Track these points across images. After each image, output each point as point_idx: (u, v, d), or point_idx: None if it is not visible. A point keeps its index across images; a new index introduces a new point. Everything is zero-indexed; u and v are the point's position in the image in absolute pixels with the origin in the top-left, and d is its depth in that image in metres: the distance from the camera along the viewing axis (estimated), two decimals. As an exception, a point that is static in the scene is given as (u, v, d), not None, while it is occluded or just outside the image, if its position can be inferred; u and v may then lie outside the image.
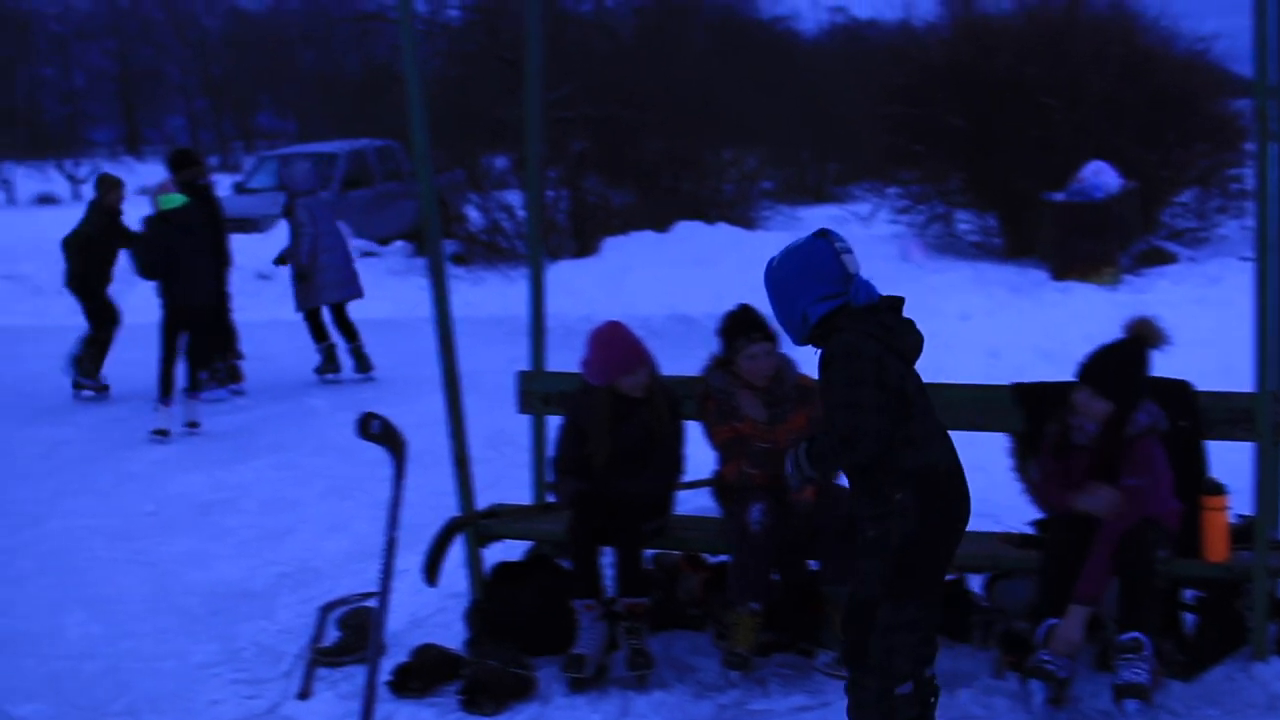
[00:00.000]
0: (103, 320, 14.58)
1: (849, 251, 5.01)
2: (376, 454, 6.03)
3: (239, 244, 21.24)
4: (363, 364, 14.95)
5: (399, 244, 23.27)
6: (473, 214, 23.33)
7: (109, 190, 14.60)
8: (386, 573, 5.66)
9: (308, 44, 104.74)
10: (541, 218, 8.27)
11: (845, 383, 4.84)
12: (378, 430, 5.70)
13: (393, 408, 6.44)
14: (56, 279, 18.96)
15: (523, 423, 7.72)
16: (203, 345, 13.04)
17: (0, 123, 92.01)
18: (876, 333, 4.88)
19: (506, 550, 7.40)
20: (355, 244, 21.70)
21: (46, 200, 67.22)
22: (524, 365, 7.68)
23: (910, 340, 4.99)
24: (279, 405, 13.53)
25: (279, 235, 21.77)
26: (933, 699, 5.16)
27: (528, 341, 7.72)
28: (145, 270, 12.92)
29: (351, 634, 6.94)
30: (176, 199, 12.85)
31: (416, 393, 12.41)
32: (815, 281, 4.96)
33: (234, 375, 14.48)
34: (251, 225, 23.61)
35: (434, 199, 6.99)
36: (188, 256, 12.65)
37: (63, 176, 73.45)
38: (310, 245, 14.60)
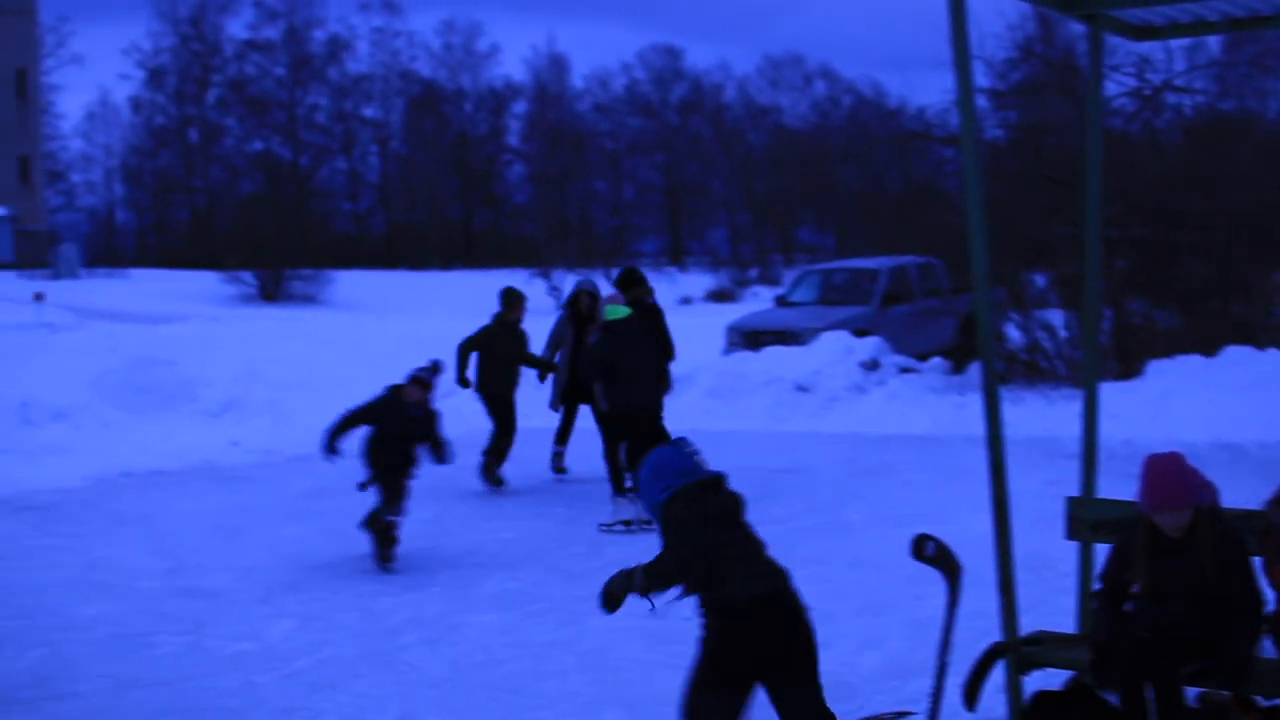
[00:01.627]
0: (505, 424, 15.92)
1: (697, 454, 6.77)
2: (913, 571, 5.98)
3: (778, 356, 21.67)
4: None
5: (936, 360, 23.19)
6: (1013, 333, 23.06)
7: (513, 307, 16.23)
8: (936, 696, 5.60)
9: (849, 160, 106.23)
10: (1096, 341, 8.10)
11: (670, 546, 6.61)
12: (932, 553, 5.67)
13: (927, 525, 6.39)
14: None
15: (1062, 548, 7.54)
16: (639, 448, 13.44)
17: (554, 234, 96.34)
18: (693, 508, 6.54)
19: (1046, 679, 7.22)
20: (895, 360, 21.72)
21: (594, 308, 69.88)
22: (1062, 488, 7.53)
23: (719, 504, 6.64)
24: (814, 517, 13.60)
25: (819, 348, 22.03)
26: None
27: (1070, 465, 7.56)
28: (585, 373, 14.60)
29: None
30: (621, 310, 14.22)
31: (950, 511, 12.37)
32: (659, 478, 6.62)
33: None
34: (792, 338, 23.96)
35: (991, 319, 6.93)
36: (627, 364, 13.85)
37: (610, 286, 76.26)
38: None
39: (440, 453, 12.46)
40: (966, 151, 6.77)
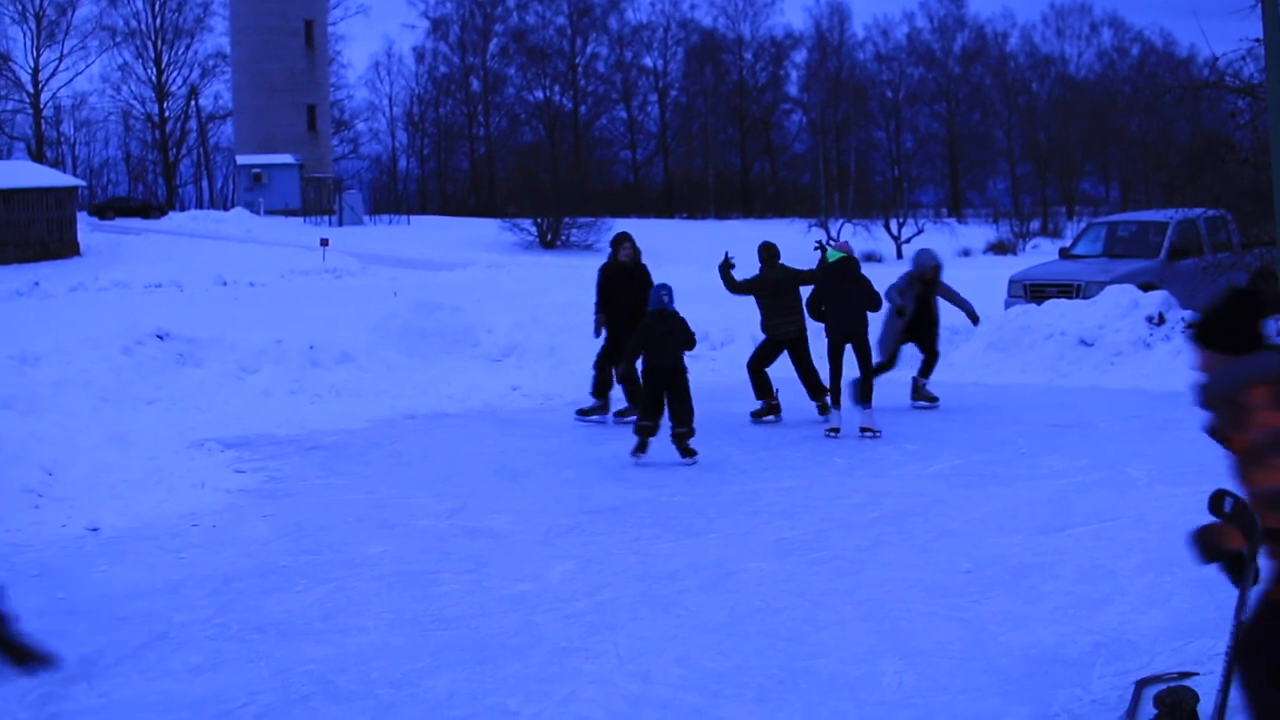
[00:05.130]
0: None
1: (666, 292, 14.69)
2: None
3: (1062, 309, 21.27)
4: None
5: (1225, 316, 22.50)
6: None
7: (621, 245, 17.69)
8: (1231, 655, 5.47)
9: (1136, 111, 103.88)
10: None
11: (633, 335, 14.87)
12: (1230, 509, 5.51)
13: (1212, 484, 6.19)
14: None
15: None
16: (865, 362, 16.16)
17: (832, 183, 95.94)
18: (648, 320, 14.57)
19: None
20: (1182, 315, 21.15)
21: (870, 258, 69.49)
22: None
23: (663, 326, 14.45)
24: (1097, 473, 13.32)
25: (1104, 302, 21.55)
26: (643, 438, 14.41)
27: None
28: (811, 309, 16.60)
29: (1167, 713, 6.72)
30: (835, 255, 16.47)
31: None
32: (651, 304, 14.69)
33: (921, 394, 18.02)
34: (1076, 291, 23.56)
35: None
36: (835, 297, 16.19)
37: (888, 236, 75.66)
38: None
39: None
40: (1274, 102, 6.54)
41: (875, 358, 16.93)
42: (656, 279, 16.11)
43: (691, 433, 14.43)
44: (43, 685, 7.75)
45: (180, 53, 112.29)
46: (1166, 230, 25.85)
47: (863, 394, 15.88)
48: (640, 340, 14.71)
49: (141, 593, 9.82)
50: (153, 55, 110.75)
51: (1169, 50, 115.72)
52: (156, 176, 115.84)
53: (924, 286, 18.27)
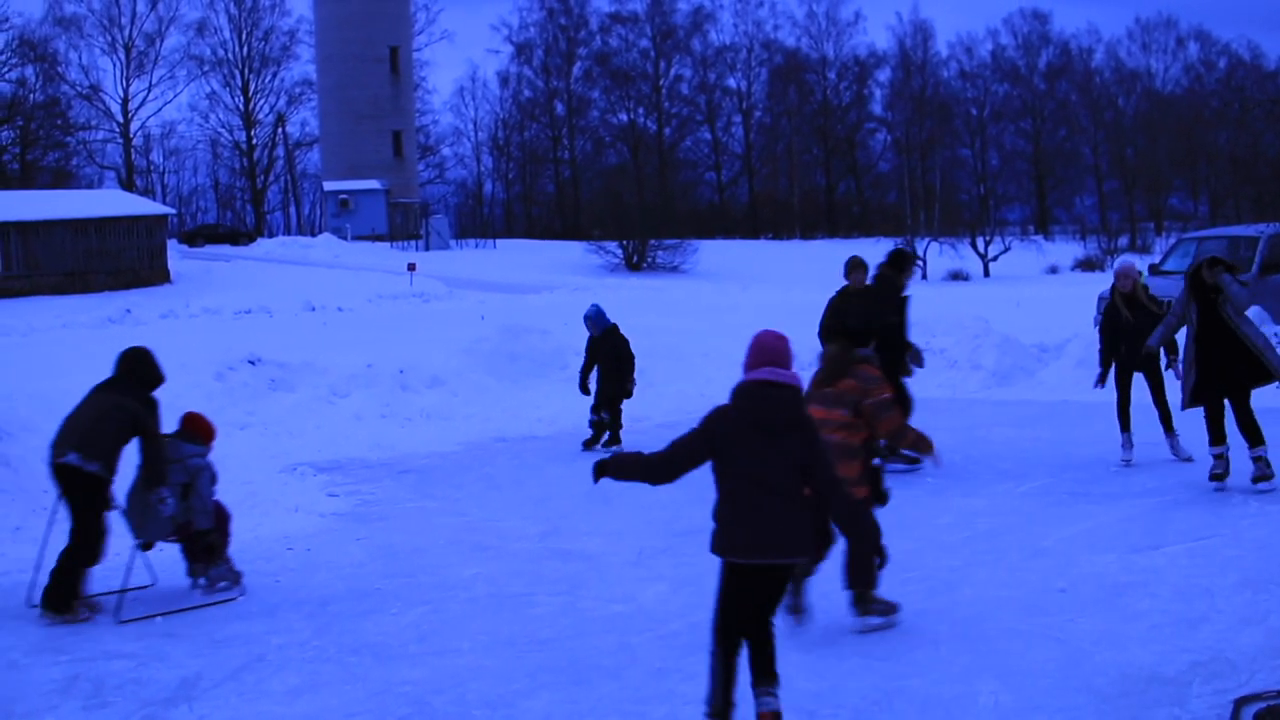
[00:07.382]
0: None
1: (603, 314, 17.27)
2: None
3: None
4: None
5: (1324, 332, 22.29)
6: None
7: (853, 270, 15.77)
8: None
9: (1224, 125, 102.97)
10: None
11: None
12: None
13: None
14: (970, 352, 19.45)
15: None
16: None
17: (918, 202, 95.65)
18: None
19: None
20: (1275, 330, 20.97)
21: (957, 276, 69.15)
22: None
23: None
24: (1188, 491, 13.23)
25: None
26: None
27: None
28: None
29: (1268, 733, 6.67)
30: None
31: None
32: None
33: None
34: (1167, 307, 23.33)
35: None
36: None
37: (975, 254, 75.24)
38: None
39: None
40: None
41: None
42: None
43: None
44: (144, 707, 7.87)
45: (267, 81, 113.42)
46: (1257, 245, 25.60)
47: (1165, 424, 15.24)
48: None
49: (239, 616, 9.94)
50: (240, 83, 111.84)
51: (1257, 63, 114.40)
52: (244, 203, 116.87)
53: (1200, 297, 14.12)
